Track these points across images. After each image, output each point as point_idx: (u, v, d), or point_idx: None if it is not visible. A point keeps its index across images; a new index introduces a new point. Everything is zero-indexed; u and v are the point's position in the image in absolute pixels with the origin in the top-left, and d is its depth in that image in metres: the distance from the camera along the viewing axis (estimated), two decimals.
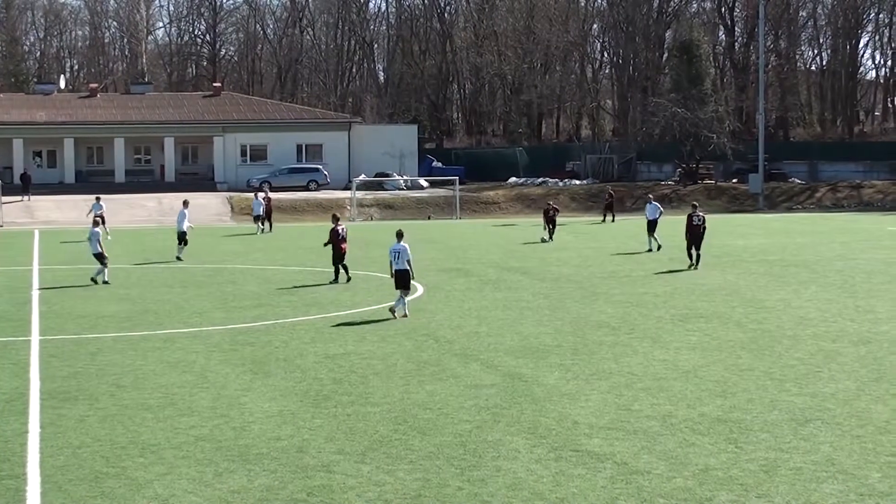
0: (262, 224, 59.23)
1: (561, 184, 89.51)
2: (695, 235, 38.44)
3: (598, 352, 21.71)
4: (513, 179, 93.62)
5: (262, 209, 59.48)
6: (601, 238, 47.64)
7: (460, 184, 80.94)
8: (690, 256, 38.52)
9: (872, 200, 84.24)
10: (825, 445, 14.69)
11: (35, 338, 23.97)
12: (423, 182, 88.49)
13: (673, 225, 47.57)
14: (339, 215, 36.08)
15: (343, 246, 34.53)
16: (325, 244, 35.04)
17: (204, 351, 22.14)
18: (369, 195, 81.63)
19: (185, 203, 44.05)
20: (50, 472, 13.78)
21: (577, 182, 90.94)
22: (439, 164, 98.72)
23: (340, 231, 34.50)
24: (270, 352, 21.97)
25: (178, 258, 41.85)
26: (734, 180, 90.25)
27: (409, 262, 26.33)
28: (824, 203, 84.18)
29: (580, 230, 51.43)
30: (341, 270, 34.53)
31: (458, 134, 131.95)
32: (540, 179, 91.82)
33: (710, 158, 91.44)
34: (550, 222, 51.72)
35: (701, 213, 39.58)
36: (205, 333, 24.42)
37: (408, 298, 27.00)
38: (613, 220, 66.37)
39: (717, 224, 64.11)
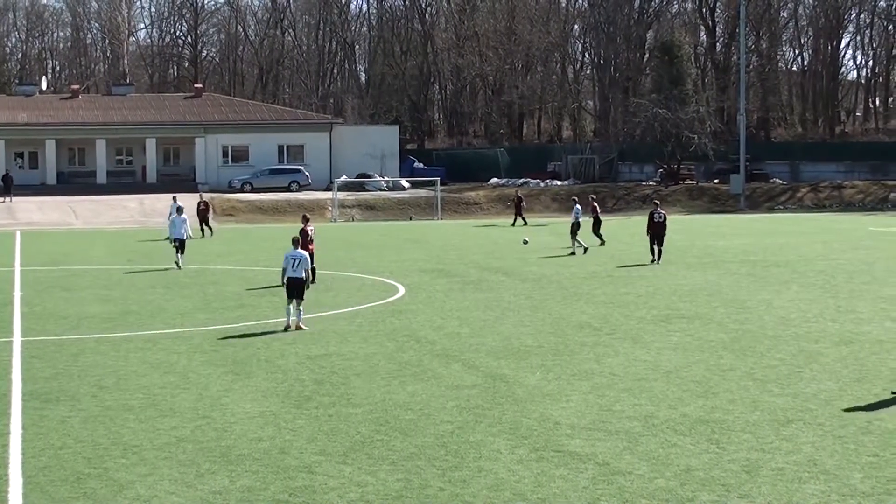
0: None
1: (542, 184, 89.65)
2: (657, 232, 39.97)
3: (579, 352, 21.74)
4: (494, 180, 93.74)
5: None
6: (583, 238, 47.66)
7: (441, 184, 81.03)
8: (653, 252, 39.82)
9: (854, 201, 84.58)
10: (807, 446, 14.74)
11: (17, 339, 23.91)
12: (404, 183, 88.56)
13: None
14: (308, 216, 36.01)
15: (311, 247, 34.39)
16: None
17: (186, 352, 22.12)
18: (351, 196, 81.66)
19: (181, 210, 41.56)
20: (32, 473, 13.75)
21: (559, 183, 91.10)
22: (420, 165, 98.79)
23: (309, 232, 34.43)
24: (252, 353, 21.95)
25: (178, 266, 39.16)
26: (716, 181, 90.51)
27: (306, 270, 25.25)
28: (806, 203, 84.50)
29: (560, 231, 51.46)
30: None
31: (440, 135, 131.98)
32: (521, 180, 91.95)
33: (691, 159, 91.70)
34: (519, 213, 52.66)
35: (662, 211, 41.09)
36: (187, 334, 24.39)
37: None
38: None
39: (699, 224, 64.28)
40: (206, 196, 78.49)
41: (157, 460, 14.27)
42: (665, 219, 40.67)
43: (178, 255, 39.58)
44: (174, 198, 57.03)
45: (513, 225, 64.75)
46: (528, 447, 14.75)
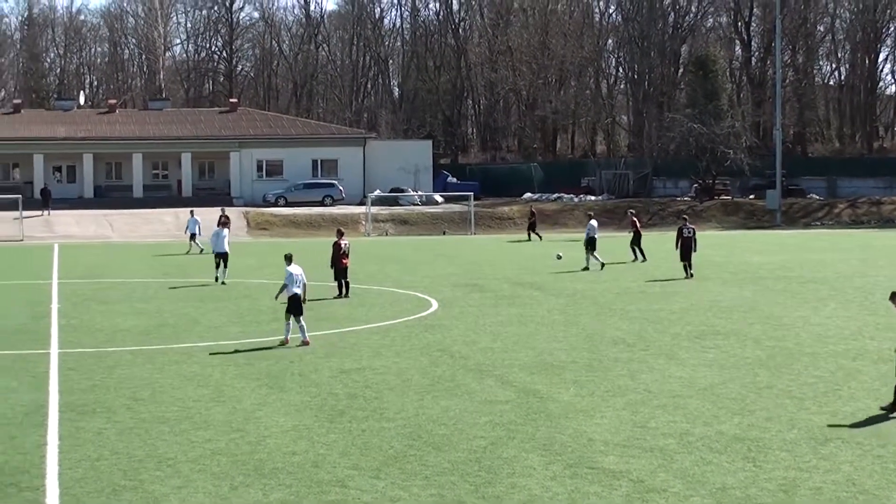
0: (196, 242, 54.54)
1: (576, 199, 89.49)
2: (686, 247, 40.09)
3: (613, 368, 21.66)
4: (527, 195, 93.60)
5: (197, 227, 55.04)
6: (615, 253, 47.54)
7: (475, 199, 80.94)
8: (685, 268, 40.01)
9: (892, 216, 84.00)
10: (846, 465, 14.62)
11: (54, 351, 24.05)
12: (437, 197, 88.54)
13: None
14: (343, 230, 36.08)
15: (344, 261, 34.47)
16: (332, 265, 34.84)
17: (220, 365, 22.18)
18: (384, 210, 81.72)
19: (224, 223, 40.93)
20: (68, 484, 13.82)
21: (593, 198, 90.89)
22: (454, 180, 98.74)
23: (343, 246, 34.50)
24: (286, 366, 21.99)
25: (222, 282, 38.53)
26: (751, 196, 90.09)
27: (304, 285, 25.26)
28: (843, 219, 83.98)
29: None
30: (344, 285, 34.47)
31: (473, 149, 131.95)
32: (555, 195, 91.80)
33: (726, 174, 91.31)
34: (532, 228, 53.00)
35: (691, 226, 41.32)
36: (221, 348, 24.46)
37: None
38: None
39: (734, 240, 64.03)
40: (242, 210, 78.81)
41: (192, 473, 14.31)
42: (694, 233, 40.76)
43: (221, 269, 39.05)
44: (191, 212, 57.23)
45: (528, 239, 64.71)
46: (561, 463, 14.70)
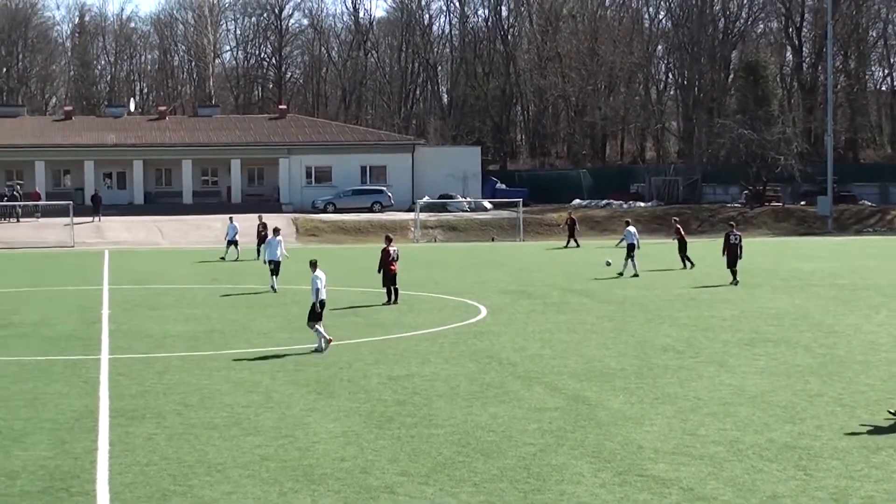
0: (235, 248, 55.29)
1: (625, 206, 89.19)
2: (732, 254, 40.39)
3: (662, 375, 21.56)
4: (576, 201, 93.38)
5: (235, 234, 55.64)
6: (665, 260, 47.35)
7: (524, 205, 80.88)
8: (733, 274, 40.33)
9: None
10: None
11: (105, 356, 24.22)
12: (486, 204, 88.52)
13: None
14: (391, 236, 36.10)
15: (393, 267, 34.47)
16: (379, 270, 34.85)
17: (269, 371, 22.26)
18: (433, 217, 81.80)
19: (277, 231, 40.33)
20: (118, 489, 13.91)
21: (642, 204, 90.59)
22: (503, 186, 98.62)
23: (392, 252, 34.53)
24: (335, 373, 22.03)
25: (274, 289, 37.99)
26: (802, 203, 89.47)
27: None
28: (895, 226, 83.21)
29: (642, 253, 51.03)
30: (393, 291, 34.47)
31: (522, 156, 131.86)
32: (604, 201, 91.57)
33: (777, 180, 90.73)
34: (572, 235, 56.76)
35: (738, 233, 41.46)
36: (270, 354, 24.55)
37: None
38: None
39: (785, 247, 63.59)
40: (291, 216, 79.10)
41: (241, 478, 14.37)
42: (740, 240, 40.84)
43: (273, 277, 38.57)
44: (230, 218, 57.34)
45: (566, 247, 64.50)
46: (611, 471, 14.63)
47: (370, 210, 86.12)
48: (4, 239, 71.54)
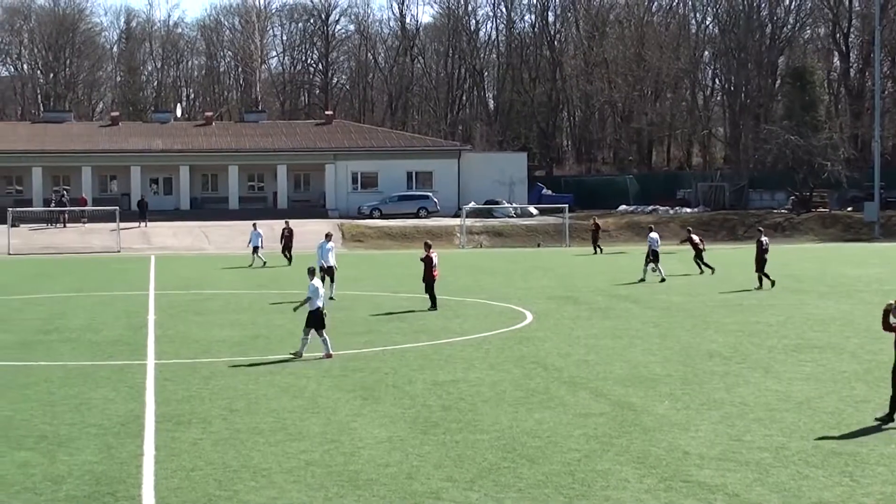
0: (258, 255, 55.22)
1: (671, 212, 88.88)
2: (760, 259, 40.77)
3: (708, 381, 21.47)
4: (623, 207, 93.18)
5: (259, 240, 55.78)
6: (712, 265, 47.12)
7: (570, 211, 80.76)
8: (761, 279, 40.65)
9: None
10: None
11: (151, 362, 24.38)
12: (532, 210, 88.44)
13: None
14: (430, 243, 36.06)
15: (434, 273, 34.43)
16: (424, 279, 34.72)
17: (315, 376, 22.33)
18: (479, 222, 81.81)
19: (329, 236, 39.23)
20: (164, 494, 13.99)
21: (688, 210, 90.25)
22: (549, 192, 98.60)
23: (434, 258, 34.52)
24: (380, 378, 22.08)
25: (330, 297, 35.72)
26: (849, 209, 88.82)
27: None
28: None
29: (687, 258, 50.77)
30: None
31: (568, 161, 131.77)
32: (650, 207, 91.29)
33: (823, 186, 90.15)
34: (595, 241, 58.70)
35: (765, 238, 41.83)
36: (315, 359, 24.62)
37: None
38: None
39: (832, 253, 63.13)
40: (337, 222, 79.33)
41: (286, 483, 14.42)
42: (767, 245, 41.21)
43: (328, 284, 36.34)
44: (254, 225, 57.32)
45: (594, 253, 64.19)
46: (656, 477, 14.59)
47: (416, 216, 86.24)
48: (52, 244, 72.21)
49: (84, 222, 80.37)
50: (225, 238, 74.79)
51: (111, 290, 42.85)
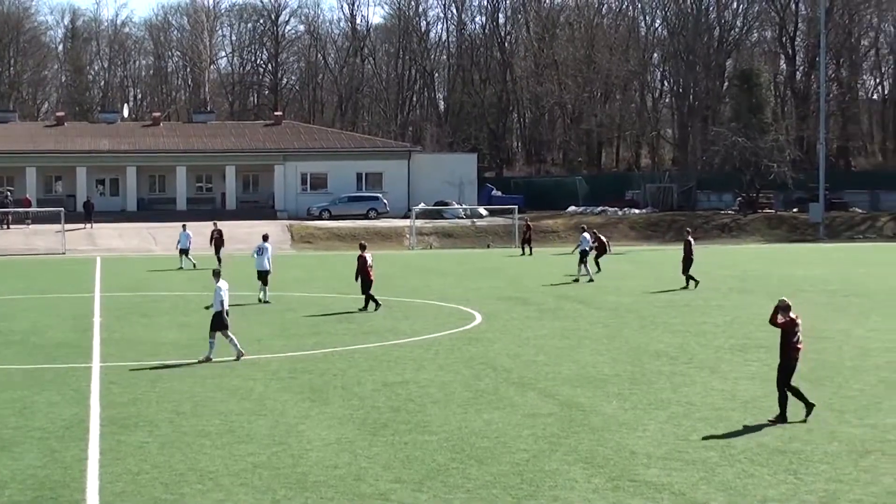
0: (188, 257, 53.91)
1: (620, 213, 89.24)
2: (688, 260, 41.48)
3: (656, 381, 21.59)
4: (572, 208, 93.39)
5: (188, 242, 54.66)
6: (659, 267, 47.41)
7: (519, 212, 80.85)
8: (688, 280, 41.18)
9: None
10: (886, 477, 14.52)
11: (96, 364, 24.21)
12: (482, 211, 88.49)
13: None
14: (365, 244, 36.05)
15: (370, 275, 34.32)
16: (357, 278, 34.71)
17: (262, 378, 22.26)
18: (428, 223, 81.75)
19: (266, 237, 38.98)
20: (109, 498, 13.90)
21: (637, 211, 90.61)
22: (498, 193, 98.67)
23: (368, 259, 34.47)
24: (328, 380, 22.04)
25: (264, 301, 36.71)
26: (795, 210, 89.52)
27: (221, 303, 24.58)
28: (886, 233, 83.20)
29: (638, 259, 51.16)
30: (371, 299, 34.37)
31: (518, 163, 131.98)
32: (599, 208, 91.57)
33: (770, 188, 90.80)
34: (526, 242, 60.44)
35: (692, 239, 42.58)
36: (263, 361, 24.55)
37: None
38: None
39: (778, 253, 63.64)
40: (286, 223, 79.02)
41: (233, 486, 14.37)
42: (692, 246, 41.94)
43: (263, 288, 37.25)
44: (183, 226, 56.95)
45: (522, 255, 64.14)
46: (603, 476, 14.66)
47: (366, 217, 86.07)
48: None
49: (28, 224, 79.52)
50: (172, 240, 73.91)
51: (56, 292, 42.46)
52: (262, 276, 37.35)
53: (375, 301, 34.27)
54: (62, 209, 75.77)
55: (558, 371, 22.86)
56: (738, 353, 25.07)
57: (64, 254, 68.23)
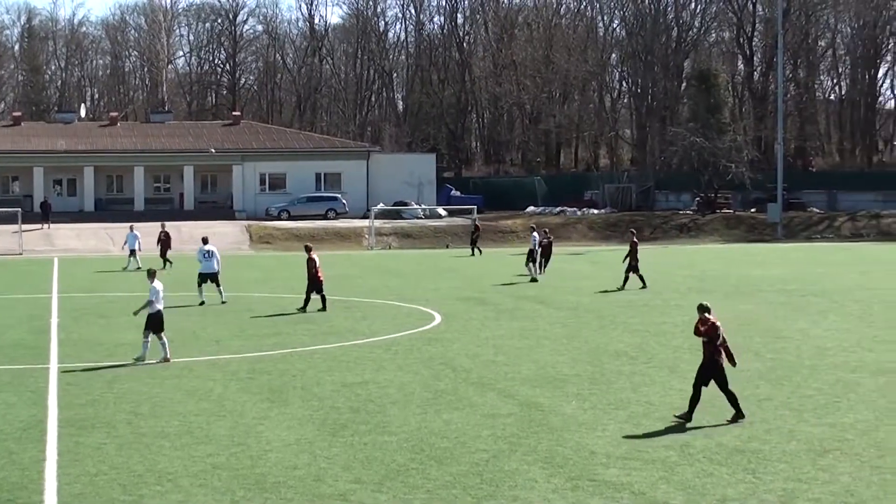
0: (135, 258, 53.68)
1: (579, 213, 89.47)
2: (634, 260, 41.22)
3: (615, 381, 21.66)
4: (531, 208, 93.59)
5: (136, 243, 54.60)
6: (618, 267, 47.50)
7: (479, 213, 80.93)
8: (628, 279, 41.24)
9: (892, 230, 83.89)
10: (844, 476, 14.63)
11: (53, 366, 24.03)
12: (441, 211, 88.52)
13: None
14: (311, 245, 35.92)
15: (319, 276, 34.13)
16: (310, 283, 34.29)
17: (221, 379, 22.17)
18: (387, 224, 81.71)
19: (205, 240, 38.79)
20: (67, 499, 13.81)
21: (596, 211, 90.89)
22: (458, 193, 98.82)
23: (316, 260, 34.33)
24: (288, 380, 21.98)
25: (199, 301, 36.68)
26: (753, 210, 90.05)
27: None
28: (843, 233, 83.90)
29: (596, 259, 51.39)
30: (314, 298, 34.18)
31: (477, 163, 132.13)
32: (558, 208, 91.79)
33: (728, 188, 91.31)
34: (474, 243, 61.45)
35: (636, 240, 42.27)
36: (222, 362, 24.46)
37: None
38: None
39: (735, 253, 63.99)
40: (244, 223, 78.69)
41: (192, 487, 14.30)
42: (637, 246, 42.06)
43: (209, 287, 37.06)
44: (131, 227, 56.72)
45: (472, 255, 63.96)
46: (563, 476, 14.69)
47: (325, 217, 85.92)
48: None
49: None
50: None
51: (12, 292, 42.11)
52: (213, 277, 37.06)
53: (308, 302, 34.04)
54: (19, 209, 75.26)
55: (518, 371, 22.89)
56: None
57: (21, 254, 67.72)
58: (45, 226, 77.69)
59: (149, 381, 21.91)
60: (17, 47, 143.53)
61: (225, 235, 73.34)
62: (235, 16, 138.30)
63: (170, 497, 13.90)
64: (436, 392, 20.65)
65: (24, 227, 73.02)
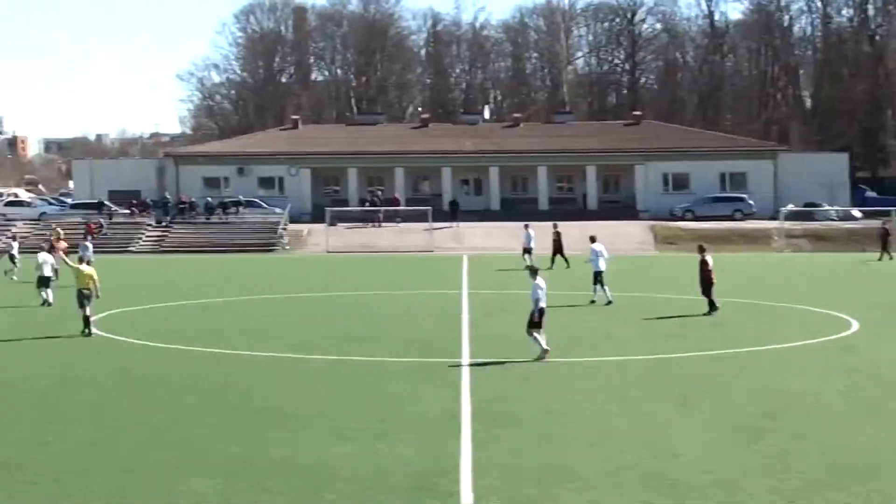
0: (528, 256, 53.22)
1: None
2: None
3: None
4: None
5: (530, 242, 55.13)
6: None
7: None
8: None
9: None
10: None
11: (465, 360, 24.46)
12: (856, 213, 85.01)
13: None
14: (705, 245, 34.76)
15: (713, 277, 33.19)
16: (703, 285, 33.49)
17: (630, 379, 21.94)
18: (798, 225, 79.19)
19: (594, 238, 39.14)
20: (481, 492, 13.93)
21: None
22: (873, 195, 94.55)
23: (710, 261, 33.38)
24: (695, 384, 21.45)
25: (594, 301, 36.68)
26: None
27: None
28: None
29: None
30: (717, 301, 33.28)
31: (895, 162, 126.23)
32: None
33: None
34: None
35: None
36: (628, 362, 24.22)
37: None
38: (891, 258, 60.04)
39: None
40: (648, 224, 78.31)
41: (602, 487, 14.14)
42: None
43: (602, 288, 37.04)
44: (526, 225, 57.04)
45: (879, 259, 60.33)
46: None
47: (731, 218, 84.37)
48: (367, 243, 74.22)
49: (398, 222, 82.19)
50: (536, 240, 74.88)
51: (425, 288, 43.59)
52: (599, 276, 37.09)
53: (712, 305, 33.22)
54: (430, 208, 78.07)
55: None
56: None
57: (432, 251, 70.13)
58: (454, 224, 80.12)
59: (558, 380, 21.93)
60: (423, 52, 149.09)
61: (629, 236, 73.38)
62: (634, 14, 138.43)
63: (582, 496, 13.76)
64: (856, 403, 19.57)
65: (435, 225, 75.63)
